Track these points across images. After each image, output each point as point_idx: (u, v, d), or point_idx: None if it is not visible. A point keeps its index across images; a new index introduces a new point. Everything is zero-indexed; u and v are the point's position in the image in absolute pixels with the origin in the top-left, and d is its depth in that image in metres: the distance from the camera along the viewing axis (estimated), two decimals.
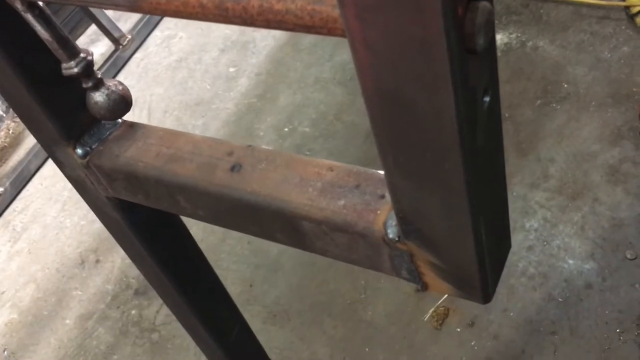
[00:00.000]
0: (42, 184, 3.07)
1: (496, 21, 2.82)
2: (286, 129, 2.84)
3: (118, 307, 2.50)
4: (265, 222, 0.64)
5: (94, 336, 2.45)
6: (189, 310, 0.97)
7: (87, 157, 0.74)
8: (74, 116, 0.71)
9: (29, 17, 0.62)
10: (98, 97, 0.68)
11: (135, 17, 3.68)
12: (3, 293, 2.72)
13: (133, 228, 0.82)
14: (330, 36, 0.44)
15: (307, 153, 2.70)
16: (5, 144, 3.37)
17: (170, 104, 3.20)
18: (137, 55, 3.50)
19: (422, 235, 0.52)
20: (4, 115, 3.43)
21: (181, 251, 0.91)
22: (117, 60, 3.40)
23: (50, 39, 0.63)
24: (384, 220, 0.56)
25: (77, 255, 2.72)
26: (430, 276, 0.56)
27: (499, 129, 0.49)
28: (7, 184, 3.01)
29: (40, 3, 0.61)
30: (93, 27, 3.50)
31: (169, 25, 3.61)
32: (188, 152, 0.69)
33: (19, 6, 0.61)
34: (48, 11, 0.63)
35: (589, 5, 2.70)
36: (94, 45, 3.64)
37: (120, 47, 3.43)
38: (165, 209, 0.74)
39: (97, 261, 2.67)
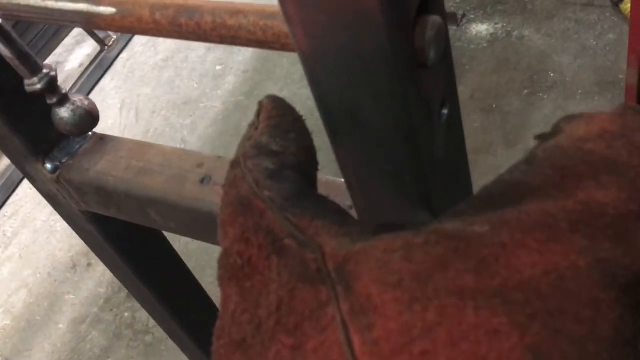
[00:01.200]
0: (31, 189, 3.05)
1: (481, 11, 2.82)
2: None
3: (111, 310, 2.50)
4: None
5: (88, 340, 2.45)
6: (172, 320, 0.96)
7: (57, 172, 0.73)
8: (41, 132, 0.71)
9: None
10: (63, 113, 0.67)
11: None
12: None
13: (109, 240, 0.82)
14: (283, 51, 0.44)
15: None
16: None
17: (157, 104, 3.18)
18: (123, 55, 3.48)
19: None
20: None
21: (161, 261, 0.90)
22: (103, 61, 3.38)
23: (10, 56, 0.62)
24: None
25: (68, 259, 2.72)
26: None
27: (461, 141, 0.48)
28: None
29: None
30: (78, 29, 3.47)
31: None
32: (158, 164, 0.69)
33: None
34: (7, 27, 0.62)
35: None
36: (79, 46, 3.62)
37: (106, 47, 3.41)
38: (138, 222, 0.73)
39: (89, 265, 2.66)
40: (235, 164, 0.35)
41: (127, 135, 3.09)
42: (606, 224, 0.24)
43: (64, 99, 0.67)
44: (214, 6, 0.44)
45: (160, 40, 3.51)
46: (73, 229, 0.83)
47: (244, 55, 3.21)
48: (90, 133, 0.75)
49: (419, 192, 0.45)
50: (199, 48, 3.36)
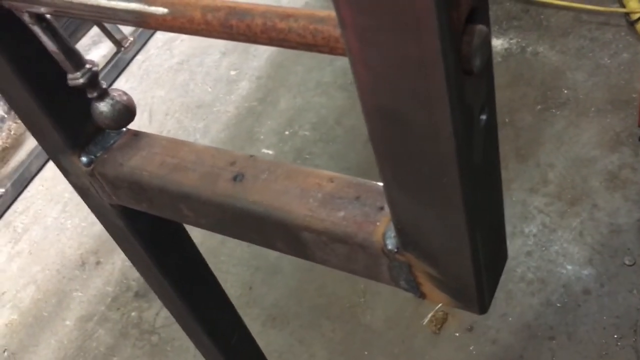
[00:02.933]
0: (43, 185, 3.08)
1: (496, 26, 2.84)
2: (287, 133, 2.86)
3: (118, 308, 2.51)
4: (267, 232, 0.66)
5: (94, 337, 2.46)
6: (190, 316, 0.98)
7: (92, 166, 0.75)
8: (79, 125, 0.73)
9: (36, 29, 0.63)
10: (103, 107, 0.69)
11: None
12: (4, 294, 2.73)
13: (136, 235, 0.84)
14: (331, 55, 0.46)
15: (307, 157, 2.72)
16: (7, 145, 3.38)
17: (171, 107, 3.21)
18: (139, 57, 3.51)
19: (420, 247, 0.54)
20: (6, 116, 3.44)
21: (183, 258, 0.92)
22: (119, 62, 3.41)
23: (56, 51, 0.64)
24: (383, 231, 0.57)
25: (77, 257, 2.73)
26: (428, 286, 0.58)
27: (496, 146, 0.50)
28: (9, 185, 3.02)
29: (48, 15, 0.62)
30: (95, 29, 3.51)
31: None
32: (191, 161, 0.71)
33: (26, 19, 0.62)
34: (55, 23, 0.64)
35: (589, 12, 2.71)
36: (96, 46, 3.66)
37: (122, 49, 3.44)
38: (169, 217, 0.75)
39: (98, 263, 2.68)
40: None
41: None
42: None
43: (104, 94, 0.69)
44: (264, 9, 0.46)
45: (176, 43, 3.54)
46: (101, 222, 0.85)
47: (258, 61, 3.24)
48: (124, 129, 0.77)
49: (455, 195, 0.47)
50: (214, 53, 3.39)
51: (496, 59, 2.74)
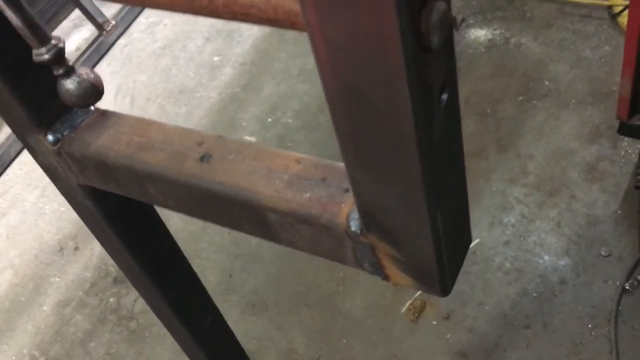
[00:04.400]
0: (21, 169, 3.04)
1: (480, 17, 2.84)
2: (269, 120, 2.85)
3: (96, 294, 2.50)
4: (234, 213, 0.65)
5: (72, 323, 2.45)
6: (162, 299, 0.97)
7: (58, 144, 0.74)
8: (45, 103, 0.71)
9: (0, 2, 0.61)
10: (69, 84, 0.68)
11: None
12: None
13: (105, 216, 0.83)
14: (292, 30, 0.45)
15: (290, 144, 2.71)
16: None
17: (153, 91, 3.18)
18: (121, 41, 3.47)
19: (383, 229, 0.54)
20: None
21: (154, 240, 0.91)
22: (101, 46, 3.37)
23: (20, 25, 0.63)
24: (347, 213, 0.57)
25: (55, 242, 2.71)
26: (391, 269, 0.57)
27: (458, 126, 0.50)
28: None
29: None
30: (77, 12, 3.46)
31: (153, 12, 3.58)
32: (159, 141, 0.70)
33: None
34: None
35: (573, 4, 2.72)
36: (78, 30, 3.61)
37: (104, 32, 3.40)
38: (136, 198, 0.74)
39: (76, 248, 2.66)
40: None
41: None
42: None
43: (70, 71, 0.68)
44: None
45: (160, 27, 3.51)
46: (70, 203, 0.84)
47: (242, 47, 3.22)
48: (92, 108, 0.76)
49: (415, 174, 0.46)
50: (197, 38, 3.36)
51: (479, 50, 2.75)
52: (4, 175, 3.04)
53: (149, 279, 0.93)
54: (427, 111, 0.44)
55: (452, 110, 0.47)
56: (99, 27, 3.38)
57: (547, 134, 2.40)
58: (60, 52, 0.67)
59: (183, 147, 0.68)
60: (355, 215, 0.56)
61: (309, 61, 2.98)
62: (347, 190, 0.58)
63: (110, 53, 3.41)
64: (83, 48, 3.42)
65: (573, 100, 2.46)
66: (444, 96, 0.45)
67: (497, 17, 2.84)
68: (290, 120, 2.80)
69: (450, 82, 0.45)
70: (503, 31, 2.78)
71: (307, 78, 2.89)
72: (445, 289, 0.56)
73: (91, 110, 0.76)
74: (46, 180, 2.63)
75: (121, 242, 0.87)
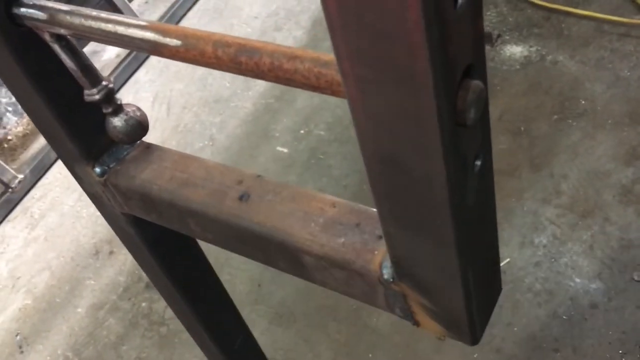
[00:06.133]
0: (60, 173, 3.13)
1: (517, 33, 2.83)
2: (302, 131, 2.88)
3: (129, 299, 2.56)
4: (270, 252, 0.68)
5: (105, 326, 2.51)
6: (195, 320, 1.00)
7: (105, 176, 0.77)
8: (94, 138, 0.75)
9: (56, 47, 0.65)
10: (117, 122, 0.71)
11: (159, 11, 3.73)
12: (18, 279, 2.79)
13: (145, 243, 0.86)
14: (335, 97, 0.47)
15: (321, 157, 2.73)
16: (27, 132, 3.44)
17: (189, 100, 3.24)
18: None
19: (415, 280, 0.55)
20: None
21: (191, 266, 0.94)
22: (140, 54, 3.45)
23: (74, 68, 0.67)
24: (380, 260, 0.59)
25: (91, 246, 2.79)
26: (422, 316, 0.59)
27: (491, 187, 0.52)
28: (27, 171, 3.08)
29: (67, 35, 0.64)
30: None
31: (192, 21, 3.65)
32: (200, 177, 0.73)
33: (47, 37, 0.64)
34: (74, 42, 0.66)
35: (611, 22, 2.69)
36: None
37: None
38: (177, 230, 0.77)
39: (111, 253, 2.73)
40: None
41: (158, 128, 3.15)
42: None
43: (118, 109, 0.72)
44: (272, 49, 0.48)
45: None
46: (113, 228, 0.88)
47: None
48: (138, 142, 0.79)
49: (447, 235, 0.48)
50: None
51: (515, 67, 2.73)
52: (44, 179, 3.14)
53: (184, 301, 0.97)
54: (461, 178, 0.45)
55: (486, 173, 0.49)
56: None
57: (581, 154, 2.38)
58: (110, 93, 0.70)
59: (223, 186, 0.71)
60: (388, 263, 0.58)
61: None
62: (380, 237, 0.60)
63: (148, 61, 3.49)
64: (123, 55, 3.51)
65: (609, 121, 2.43)
66: (478, 162, 0.47)
67: (534, 33, 2.82)
68: (322, 133, 2.83)
69: (484, 149, 0.47)
70: (539, 48, 2.76)
71: None
72: (475, 339, 0.58)
73: (136, 144, 0.79)
74: None
75: (160, 267, 0.90)
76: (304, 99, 3.00)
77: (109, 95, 0.70)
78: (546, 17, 2.87)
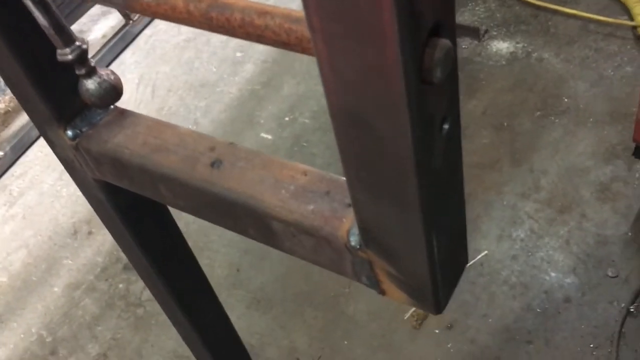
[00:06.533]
0: (41, 152, 3.10)
1: (504, 29, 2.84)
2: (287, 119, 2.87)
3: (106, 279, 2.54)
4: (240, 218, 0.67)
5: (80, 306, 2.50)
6: (167, 292, 1.00)
7: (77, 140, 0.76)
8: (67, 100, 0.74)
9: (28, 3, 0.64)
10: (90, 84, 0.70)
11: None
12: None
13: (117, 210, 0.85)
14: (303, 54, 0.47)
15: (305, 144, 2.73)
16: (9, 109, 3.40)
17: (175, 83, 3.22)
18: (147, 31, 3.52)
19: (381, 246, 0.55)
20: None
21: (163, 235, 0.94)
22: (126, 35, 3.42)
23: (47, 26, 0.66)
24: (348, 228, 0.59)
25: (70, 225, 2.76)
26: (387, 284, 0.59)
27: (459, 154, 0.52)
28: (8, 148, 3.05)
29: None
30: None
31: None
32: (173, 144, 0.72)
33: None
34: None
35: (597, 22, 2.71)
36: (105, 17, 3.66)
37: (131, 22, 3.45)
38: (148, 196, 0.77)
39: (90, 233, 2.71)
40: None
41: (141, 111, 3.13)
42: None
43: (92, 71, 0.71)
44: (244, 5, 0.48)
45: None
46: (84, 195, 0.87)
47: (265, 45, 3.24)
48: (112, 107, 0.79)
49: (412, 198, 0.48)
50: None
51: (500, 62, 2.75)
52: (24, 157, 3.10)
53: (155, 271, 0.96)
54: (428, 140, 0.46)
55: (454, 140, 0.49)
56: (126, 16, 3.42)
57: (562, 151, 2.40)
58: (83, 54, 0.70)
59: (195, 152, 0.70)
60: (356, 230, 0.58)
61: None
62: (349, 205, 0.60)
63: (135, 43, 3.46)
64: (109, 36, 3.47)
65: (591, 119, 2.46)
66: (445, 126, 0.47)
67: (521, 30, 2.84)
68: (307, 121, 2.83)
69: (452, 113, 0.47)
70: (525, 45, 2.77)
71: None
72: (438, 307, 0.58)
73: (110, 109, 0.79)
74: None
75: (131, 235, 0.90)
76: (290, 86, 2.99)
77: (82, 56, 0.69)
78: (534, 15, 2.89)
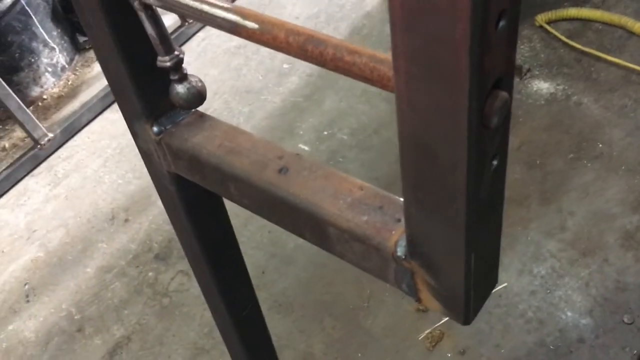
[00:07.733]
0: (89, 138, 3.25)
1: (546, 70, 2.91)
2: (325, 133, 2.97)
3: (137, 266, 2.66)
4: (299, 221, 0.76)
5: (110, 289, 2.61)
6: (212, 281, 1.10)
7: (160, 135, 0.87)
8: (157, 100, 0.85)
9: (142, 15, 0.75)
10: (180, 89, 0.81)
11: None
12: (34, 231, 2.90)
13: (183, 201, 0.95)
14: (382, 89, 0.56)
15: (340, 160, 2.82)
16: (63, 94, 3.56)
17: (221, 87, 3.35)
18: (200, 34, 3.66)
19: (424, 258, 0.64)
20: (67, 66, 3.62)
21: (218, 228, 1.04)
22: (180, 36, 3.56)
23: (154, 36, 0.76)
24: (396, 240, 0.67)
25: (109, 211, 2.89)
26: (424, 293, 0.68)
27: (502, 188, 0.60)
28: (58, 131, 3.20)
29: (154, 6, 0.74)
30: None
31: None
32: (246, 148, 0.82)
33: (136, 5, 0.74)
34: (158, 13, 0.76)
35: (639, 73, 2.76)
36: (163, 16, 3.80)
37: (186, 24, 3.59)
38: (217, 192, 0.86)
39: (126, 220, 2.83)
40: None
41: None
42: None
43: (183, 78, 0.81)
44: (336, 42, 0.57)
45: None
46: (155, 185, 0.97)
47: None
48: (193, 110, 0.89)
49: (459, 220, 0.57)
50: None
51: (539, 102, 2.81)
52: (72, 141, 3.25)
53: (205, 260, 1.06)
54: (479, 172, 0.54)
55: (500, 174, 0.58)
56: (183, 18, 3.57)
57: (591, 195, 2.45)
58: (179, 62, 0.80)
59: (265, 158, 0.80)
60: (403, 242, 0.67)
61: None
62: (399, 220, 0.69)
63: (188, 44, 3.61)
64: None
65: (623, 167, 2.51)
66: (495, 162, 0.56)
67: (563, 73, 2.90)
68: (345, 137, 2.92)
69: (501, 151, 0.56)
70: (566, 88, 2.84)
71: (368, 99, 3.01)
72: (467, 318, 0.66)
73: (192, 112, 0.89)
74: (109, 152, 2.84)
75: (190, 225, 0.99)
76: (332, 101, 3.10)
77: (178, 64, 0.80)
78: (577, 59, 2.95)
